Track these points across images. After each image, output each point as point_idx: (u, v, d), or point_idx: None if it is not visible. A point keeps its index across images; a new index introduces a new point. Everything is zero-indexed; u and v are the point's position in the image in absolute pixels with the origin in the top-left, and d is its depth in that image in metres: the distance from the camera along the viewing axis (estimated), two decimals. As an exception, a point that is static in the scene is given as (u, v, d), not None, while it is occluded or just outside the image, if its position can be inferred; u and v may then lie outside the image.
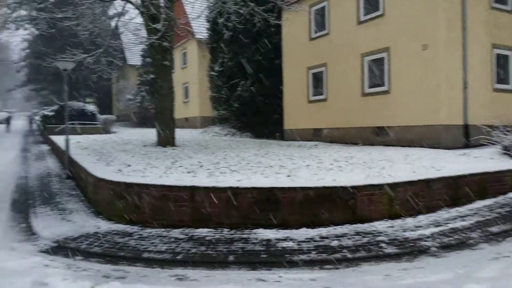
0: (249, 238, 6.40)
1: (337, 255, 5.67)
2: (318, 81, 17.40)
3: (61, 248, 6.28)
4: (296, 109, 18.43)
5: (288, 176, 7.93)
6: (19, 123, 51.05)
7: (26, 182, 12.58)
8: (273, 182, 7.37)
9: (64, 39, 29.62)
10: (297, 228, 6.77)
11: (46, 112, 29.97)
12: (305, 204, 6.89)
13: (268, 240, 6.27)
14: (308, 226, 6.80)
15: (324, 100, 17.01)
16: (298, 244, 6.09)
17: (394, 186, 7.32)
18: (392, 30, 13.88)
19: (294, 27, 17.79)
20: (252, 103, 20.06)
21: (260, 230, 6.70)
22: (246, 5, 13.86)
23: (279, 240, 6.29)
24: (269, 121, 20.13)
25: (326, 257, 5.62)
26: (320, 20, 17.21)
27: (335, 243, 6.08)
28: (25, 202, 9.74)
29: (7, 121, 42.71)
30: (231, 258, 5.64)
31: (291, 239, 6.30)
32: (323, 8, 17.04)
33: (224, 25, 19.26)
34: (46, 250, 6.23)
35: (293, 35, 18.44)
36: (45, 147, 24.67)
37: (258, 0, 15.11)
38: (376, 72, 14.64)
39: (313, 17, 17.50)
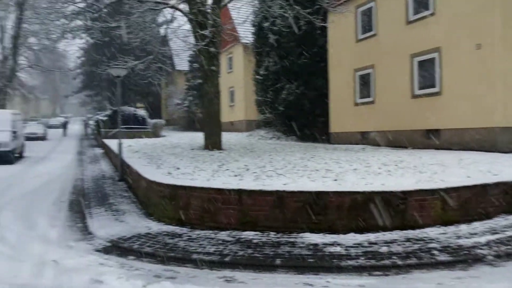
0: (296, 242, 6.38)
1: (387, 262, 5.53)
2: (365, 83, 17.09)
3: (115, 248, 6.55)
4: (343, 112, 18.18)
5: (335, 180, 7.84)
6: (75, 127, 53.85)
7: (82, 184, 13.23)
8: (320, 186, 7.31)
9: (117, 47, 30.93)
10: (344, 233, 6.66)
11: (100, 117, 31.45)
12: (353, 208, 6.77)
13: (315, 245, 6.22)
14: (356, 231, 6.67)
15: (372, 102, 16.67)
16: (346, 249, 6.00)
17: (447, 191, 7.03)
18: (443, 29, 13.40)
19: (340, 29, 17.59)
20: (297, 106, 20.01)
21: (307, 234, 6.66)
22: (292, 9, 13.87)
23: (326, 244, 6.22)
24: (314, 124, 20.01)
25: (375, 263, 5.50)
26: (367, 21, 16.91)
27: (384, 249, 5.93)
28: (81, 203, 10.24)
29: (64, 125, 45.22)
30: (278, 261, 5.65)
31: (338, 244, 6.22)
32: (370, 9, 16.74)
33: (269, 29, 19.36)
34: (101, 249, 6.51)
35: (339, 37, 18.24)
36: (99, 151, 25.85)
37: (304, 3, 15.08)
38: (427, 73, 14.17)
39: (359, 18, 17.23)
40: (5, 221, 8.29)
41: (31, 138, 33.25)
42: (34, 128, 37.75)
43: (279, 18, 14.41)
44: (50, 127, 51.41)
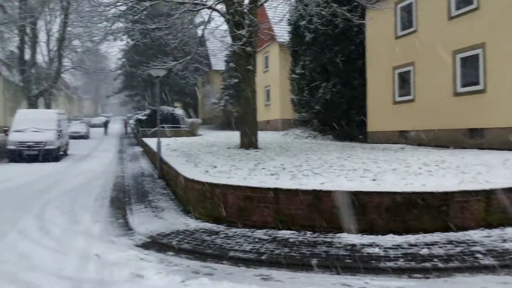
0: (333, 242, 6.32)
1: (427, 264, 5.38)
2: (404, 81, 16.67)
3: (154, 243, 6.72)
4: (381, 111, 17.82)
5: (374, 180, 7.69)
6: (115, 126, 55.57)
7: (122, 181, 13.65)
8: (358, 185, 7.21)
9: (156, 48, 31.65)
10: (383, 234, 6.53)
11: (139, 116, 32.30)
12: (392, 209, 6.63)
13: (353, 245, 6.14)
14: (395, 233, 6.53)
15: (411, 100, 16.24)
16: (384, 251, 5.88)
17: (492, 192, 6.76)
18: (488, 24, 12.86)
19: (378, 25, 17.24)
20: (334, 105, 19.79)
21: (344, 235, 6.58)
22: (329, 6, 13.73)
23: (364, 245, 6.13)
24: (351, 123, 19.72)
25: (415, 266, 5.36)
26: (407, 17, 16.48)
27: (424, 251, 5.77)
28: (122, 199, 10.58)
29: (105, 125, 46.75)
30: (314, 261, 5.62)
31: (377, 245, 6.11)
32: (409, 5, 16.31)
33: (306, 28, 19.26)
34: (141, 245, 6.70)
35: (377, 34, 17.87)
36: (138, 149, 26.57)
37: (341, 1, 14.90)
38: (470, 70, 13.65)
39: (398, 14, 16.82)
40: (51, 216, 8.68)
41: (74, 136, 34.64)
42: (78, 127, 39.28)
43: (316, 16, 14.30)
44: (92, 126, 53.36)
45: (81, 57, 37.71)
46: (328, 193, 6.80)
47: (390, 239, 6.34)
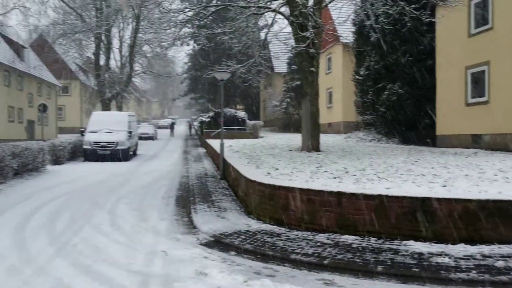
0: (399, 249, 6.08)
1: (503, 278, 5.00)
2: (478, 81, 15.66)
3: (217, 243, 6.86)
4: (451, 113, 16.87)
5: (444, 186, 7.30)
6: (181, 128, 57.61)
7: (187, 181, 14.10)
8: (427, 191, 6.87)
9: (220, 52, 32.42)
10: (453, 243, 6.18)
11: (203, 118, 33.22)
12: (464, 217, 6.24)
13: (420, 254, 5.87)
14: (466, 242, 6.15)
15: (486, 102, 15.22)
16: (455, 261, 5.56)
17: None
18: None
19: (449, 23, 16.35)
20: (400, 107, 19.06)
21: (411, 242, 6.31)
22: (396, 5, 13.26)
23: (432, 254, 5.83)
24: (419, 126, 18.88)
25: (490, 278, 5.01)
26: (482, 14, 15.48)
27: (500, 263, 5.37)
28: (186, 199, 10.94)
29: (171, 126, 48.59)
30: (379, 268, 5.44)
31: (446, 255, 5.79)
32: (485, 0, 15.30)
33: (371, 27, 18.74)
34: (205, 243, 6.87)
35: (448, 33, 16.96)
36: (202, 150, 27.34)
37: (410, -1, 14.33)
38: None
39: (472, 11, 15.84)
40: (122, 213, 9.17)
41: (143, 137, 36.38)
42: (146, 128, 41.18)
43: (382, 15, 13.87)
44: (159, 127, 55.75)
45: (150, 62, 39.53)
46: (394, 198, 6.56)
47: (461, 249, 5.99)
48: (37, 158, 15.43)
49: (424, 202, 6.42)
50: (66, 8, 31.69)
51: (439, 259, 5.64)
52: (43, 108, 26.65)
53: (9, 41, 30.14)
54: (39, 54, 38.41)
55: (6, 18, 23.98)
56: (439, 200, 6.40)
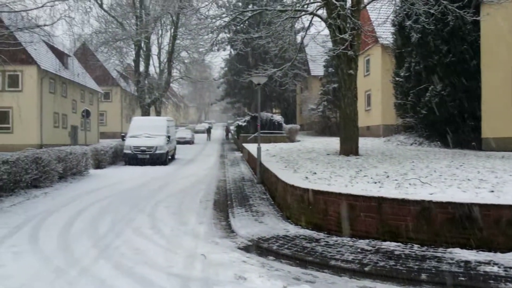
0: (443, 257, 5.84)
1: (561, 290, 4.69)
2: (527, 81, 14.89)
3: (255, 247, 6.83)
4: (498, 115, 16.12)
5: (491, 191, 6.96)
6: (217, 132, 58.30)
7: (224, 185, 14.19)
8: (473, 197, 6.58)
9: (257, 56, 32.57)
10: (502, 252, 5.88)
11: (239, 123, 33.39)
12: (515, 225, 5.93)
13: (467, 262, 5.61)
14: (518, 251, 5.83)
15: (536, 103, 14.45)
16: (505, 270, 5.28)
17: None
18: None
19: (496, 21, 15.64)
20: (442, 109, 18.40)
21: (457, 250, 6.05)
22: (438, 4, 12.82)
23: (480, 263, 5.57)
24: (463, 129, 18.15)
25: (545, 291, 4.71)
26: (531, 11, 14.73)
27: (557, 274, 5.05)
28: (224, 203, 11.00)
29: (208, 131, 49.22)
30: (423, 276, 5.24)
31: (495, 264, 5.51)
32: (534, -4, 14.54)
33: (412, 28, 18.24)
34: (243, 247, 6.86)
35: (495, 31, 16.24)
36: (238, 154, 27.49)
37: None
38: None
39: (521, 7, 15.09)
40: (161, 216, 9.33)
41: (181, 142, 37.03)
42: (184, 133, 41.91)
43: (423, 15, 13.46)
44: (196, 132, 56.60)
45: (188, 68, 40.22)
46: (439, 204, 6.31)
47: (511, 258, 5.68)
48: (81, 162, 16.00)
49: (471, 208, 6.14)
50: (108, 17, 32.81)
51: (488, 268, 5.37)
52: (86, 114, 27.67)
53: (55, 50, 31.56)
54: (82, 62, 39.98)
55: (53, 29, 25.12)
56: (486, 206, 6.11)
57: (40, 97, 30.46)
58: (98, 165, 19.12)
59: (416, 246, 6.32)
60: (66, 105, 35.15)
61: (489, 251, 5.95)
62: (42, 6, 14.64)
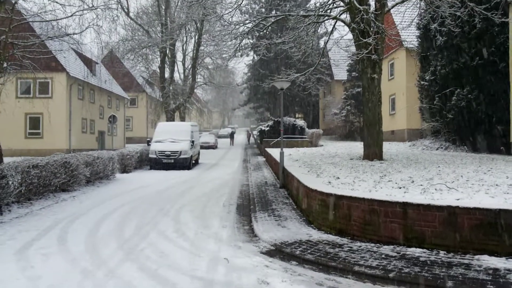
0: (471, 264, 5.71)
1: None
2: (559, 84, 14.43)
3: (278, 252, 6.83)
4: (528, 119, 15.65)
5: (521, 197, 6.78)
6: (240, 137, 58.52)
7: (247, 189, 14.24)
8: (501, 203, 6.41)
9: (279, 61, 32.64)
10: (533, 260, 5.70)
11: (262, 127, 33.45)
12: (546, 232, 5.74)
13: (496, 270, 5.46)
14: (549, 259, 5.65)
15: None
16: (536, 279, 5.12)
17: None
18: None
19: (525, 23, 15.25)
20: (469, 113, 18.01)
21: (485, 257, 5.90)
22: (464, 6, 12.59)
23: (509, 271, 5.41)
24: (491, 133, 17.69)
25: None
26: (562, 11, 14.29)
27: None
28: (247, 207, 11.04)
29: (231, 135, 49.48)
30: (449, 283, 5.13)
31: (526, 272, 5.35)
32: None
33: (437, 30, 17.94)
34: (266, 252, 6.88)
35: (523, 33, 15.81)
36: (261, 159, 27.52)
37: (479, -1, 13.58)
38: None
39: (552, 8, 14.68)
40: (185, 219, 9.44)
41: (204, 146, 37.38)
42: (207, 138, 42.27)
43: (449, 17, 13.23)
44: (220, 137, 57.04)
45: (212, 73, 40.66)
46: (466, 210, 6.18)
47: (543, 266, 5.51)
48: (107, 167, 16.36)
49: (500, 214, 5.99)
50: (134, 25, 33.56)
51: (518, 277, 5.22)
52: (113, 119, 28.29)
53: (83, 58, 32.42)
54: (109, 69, 40.95)
55: (82, 37, 25.84)
56: (517, 212, 5.94)
57: (69, 103, 31.34)
58: (124, 170, 19.50)
59: (442, 253, 6.20)
60: (94, 111, 36.02)
61: (519, 258, 5.79)
62: (72, 16, 15.09)
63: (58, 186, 12.62)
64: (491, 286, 4.99)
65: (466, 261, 5.83)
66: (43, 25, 16.68)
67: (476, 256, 5.97)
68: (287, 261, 6.33)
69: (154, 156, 21.53)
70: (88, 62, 33.54)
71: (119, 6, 28.62)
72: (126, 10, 31.85)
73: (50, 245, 7.22)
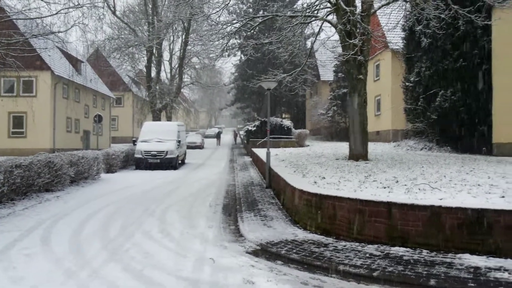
0: (453, 262, 5.81)
1: None
2: (539, 86, 14.75)
3: (264, 252, 6.85)
4: (510, 120, 15.97)
5: (502, 197, 6.91)
6: (227, 137, 58.43)
7: (234, 189, 14.24)
8: (483, 203, 6.53)
9: (266, 61, 32.65)
10: (513, 258, 5.83)
11: (249, 127, 33.45)
12: (526, 231, 5.87)
13: (477, 268, 5.57)
14: (529, 257, 5.78)
15: (549, 108, 14.29)
16: (515, 277, 5.24)
17: None
18: None
19: (507, 26, 15.56)
20: (453, 114, 18.30)
21: (466, 256, 6.02)
22: (449, 9, 12.79)
23: (490, 269, 5.52)
24: (473, 133, 18.02)
25: (557, 298, 4.66)
26: (543, 15, 14.60)
27: None
28: (233, 207, 11.04)
29: (218, 135, 49.38)
30: (432, 282, 5.22)
31: (506, 270, 5.46)
32: (546, 1, 14.42)
33: (422, 32, 18.19)
34: (251, 252, 6.89)
35: (506, 36, 16.13)
36: (248, 159, 27.52)
37: (463, 1, 13.77)
38: None
39: (533, 12, 14.98)
40: (171, 219, 9.40)
41: (191, 146, 37.19)
42: (194, 137, 42.09)
43: (434, 20, 13.42)
44: (206, 137, 56.83)
45: (199, 73, 40.48)
46: (449, 209, 6.29)
47: (523, 264, 5.64)
48: (92, 167, 16.18)
49: (481, 214, 6.11)
50: (121, 23, 33.22)
51: (498, 274, 5.33)
52: (98, 118, 27.97)
53: (68, 56, 32.02)
54: (95, 68, 40.49)
55: (67, 35, 25.55)
56: (497, 211, 6.07)
57: (54, 102, 30.91)
58: (110, 169, 19.31)
59: (425, 252, 6.30)
60: (79, 110, 35.59)
61: (499, 257, 5.91)
62: (57, 14, 14.86)
63: (41, 186, 12.45)
64: (472, 284, 5.08)
65: (448, 260, 5.92)
66: (27, 23, 16.40)
67: (458, 255, 6.08)
68: (273, 261, 6.35)
69: (140, 156, 21.37)
70: (73, 61, 33.15)
71: (106, 4, 28.30)
72: (112, 9, 31.52)
73: (33, 246, 7.13)
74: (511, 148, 15.82)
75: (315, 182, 9.32)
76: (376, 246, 6.70)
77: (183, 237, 7.83)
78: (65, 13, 15.60)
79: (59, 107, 31.63)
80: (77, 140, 35.12)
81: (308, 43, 34.26)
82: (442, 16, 13.11)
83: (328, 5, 14.69)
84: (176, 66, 36.36)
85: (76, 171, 14.67)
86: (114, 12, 32.05)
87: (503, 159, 14.57)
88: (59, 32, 16.33)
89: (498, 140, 16.67)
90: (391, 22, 16.79)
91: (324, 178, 9.99)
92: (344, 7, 12.95)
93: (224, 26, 14.88)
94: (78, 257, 6.54)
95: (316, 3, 14.61)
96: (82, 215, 9.74)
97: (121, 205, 11.24)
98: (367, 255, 6.28)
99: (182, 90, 41.34)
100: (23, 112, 29.12)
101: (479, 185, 8.18)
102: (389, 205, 6.75)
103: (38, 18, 15.27)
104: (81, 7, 16.28)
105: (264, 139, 25.75)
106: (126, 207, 10.95)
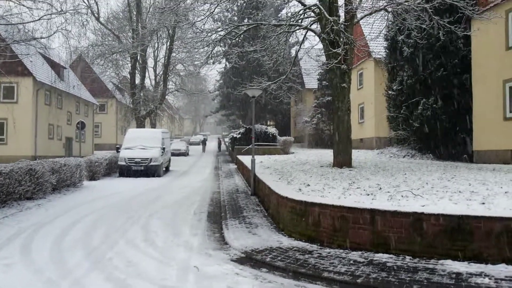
0: (435, 269, 5.89)
1: (551, 301, 4.75)
2: (517, 95, 15.14)
3: (249, 259, 6.84)
4: (489, 128, 16.34)
5: (482, 203, 7.05)
6: (212, 144, 58.30)
7: (218, 196, 14.20)
8: (464, 209, 6.65)
9: (251, 69, 32.84)
10: (493, 263, 5.93)
11: (234, 135, 33.47)
12: (505, 236, 5.99)
13: (458, 274, 5.66)
14: (508, 262, 5.89)
15: (526, 117, 14.67)
16: (496, 282, 5.33)
17: None
18: None
19: (486, 37, 15.98)
20: (434, 123, 18.63)
21: (448, 262, 6.11)
22: (430, 19, 13.08)
23: (471, 274, 5.61)
24: (454, 141, 18.37)
25: (535, 302, 4.76)
26: (520, 26, 15.04)
27: (546, 286, 5.11)
28: (218, 214, 11.00)
29: (203, 142, 49.28)
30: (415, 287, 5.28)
31: (486, 275, 5.56)
32: (523, 13, 14.88)
33: (404, 42, 18.55)
34: (236, 259, 6.87)
35: (485, 46, 16.56)
36: (233, 166, 27.49)
37: (444, 12, 14.10)
38: None
39: (510, 24, 15.43)
40: (155, 228, 9.31)
41: (175, 154, 36.99)
42: (179, 145, 41.89)
43: (415, 30, 13.71)
44: (191, 144, 56.64)
45: (183, 80, 40.40)
46: (431, 216, 6.38)
47: (502, 269, 5.74)
48: (75, 174, 15.96)
49: (462, 220, 6.22)
50: (105, 30, 33.01)
51: (479, 280, 5.42)
52: (81, 125, 27.65)
53: (51, 62, 31.63)
54: (78, 74, 40.07)
55: (49, 41, 25.25)
56: (477, 218, 6.18)
57: (35, 109, 30.45)
58: (92, 177, 19.07)
59: (408, 258, 6.37)
60: (61, 117, 35.11)
61: (480, 262, 6.00)
62: (39, 19, 14.73)
63: (22, 194, 12.21)
64: (454, 290, 5.16)
65: (430, 266, 6.00)
66: (8, 28, 16.19)
67: (440, 261, 6.16)
68: (258, 268, 6.34)
69: (124, 163, 21.16)
70: (56, 67, 32.74)
71: (89, 10, 28.14)
72: (96, 15, 31.32)
73: (13, 255, 6.97)
74: (491, 155, 16.16)
75: (300, 190, 9.37)
76: (360, 252, 6.74)
77: (167, 245, 7.76)
78: (48, 19, 15.46)
79: (41, 113, 31.16)
80: (59, 147, 34.60)
81: (293, 52, 34.56)
82: (423, 26, 13.40)
83: (312, 14, 14.87)
84: (161, 73, 36.25)
85: (58, 178, 14.44)
86: (98, 19, 31.84)
87: (484, 166, 14.88)
88: (41, 38, 16.17)
89: (478, 148, 17.03)
90: (374, 32, 17.09)
91: (308, 185, 10.04)
92: (328, 16, 13.13)
93: (209, 34, 14.93)
94: (60, 266, 6.43)
95: (300, 12, 14.79)
96: (64, 223, 9.58)
97: (104, 212, 11.10)
98: (351, 261, 6.32)
99: (166, 97, 41.13)
100: (3, 118, 28.61)
101: (460, 192, 8.32)
102: (373, 212, 6.82)
103: (20, 24, 15.09)
104: (64, 13, 16.17)
105: (249, 146, 25.78)
106: (109, 215, 10.82)
